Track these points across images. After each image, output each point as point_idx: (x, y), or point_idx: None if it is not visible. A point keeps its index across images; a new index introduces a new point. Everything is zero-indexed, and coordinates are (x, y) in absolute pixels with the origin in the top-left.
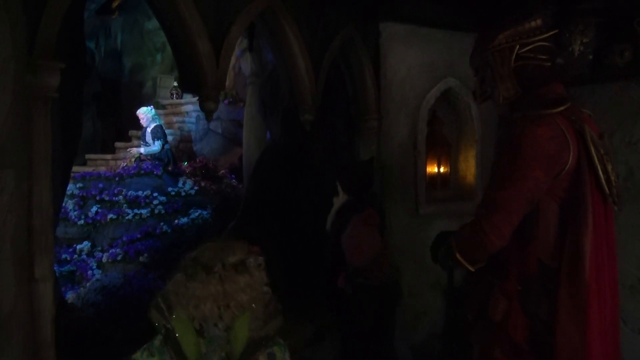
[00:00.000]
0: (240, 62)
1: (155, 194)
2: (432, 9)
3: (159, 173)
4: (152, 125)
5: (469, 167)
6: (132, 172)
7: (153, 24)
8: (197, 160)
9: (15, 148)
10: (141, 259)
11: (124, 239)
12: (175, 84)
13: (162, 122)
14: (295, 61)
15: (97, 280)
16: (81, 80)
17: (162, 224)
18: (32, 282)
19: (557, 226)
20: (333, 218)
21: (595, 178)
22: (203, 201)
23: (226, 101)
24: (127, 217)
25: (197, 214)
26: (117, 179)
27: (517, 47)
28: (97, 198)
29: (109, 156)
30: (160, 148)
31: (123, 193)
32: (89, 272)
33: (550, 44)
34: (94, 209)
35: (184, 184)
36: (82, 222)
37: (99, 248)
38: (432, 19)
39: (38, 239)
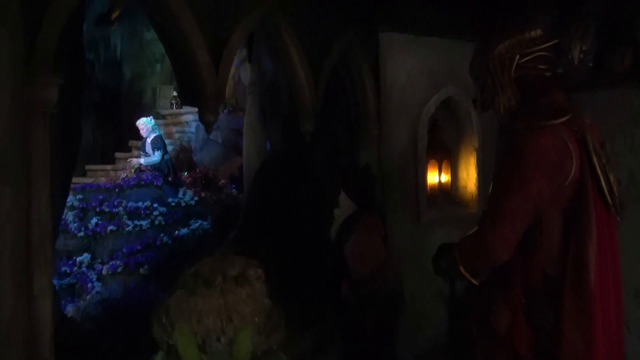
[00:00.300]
0: (239, 71)
1: (155, 205)
2: (431, 16)
3: (159, 184)
4: (152, 136)
5: (470, 175)
6: (132, 183)
7: (152, 34)
8: (197, 170)
9: (13, 163)
10: (141, 270)
11: (124, 250)
12: (175, 93)
13: (162, 132)
14: (294, 70)
15: (97, 293)
16: (81, 92)
17: (162, 235)
18: (30, 298)
19: (560, 236)
20: (338, 228)
21: (598, 187)
22: (203, 211)
23: (226, 110)
24: (127, 229)
25: (197, 224)
26: (117, 190)
27: (518, 57)
28: (97, 209)
29: (109, 167)
30: (160, 158)
31: (123, 204)
32: (89, 284)
33: (550, 54)
34: (94, 220)
35: (184, 194)
36: (82, 234)
37: (99, 260)
38: (431, 26)
39: (36, 254)
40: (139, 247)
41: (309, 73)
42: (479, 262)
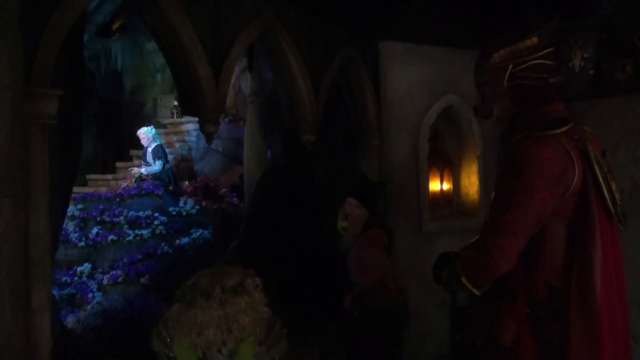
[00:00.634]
0: (240, 80)
1: (156, 214)
2: (431, 26)
3: (160, 193)
4: (153, 145)
5: (472, 184)
6: (133, 192)
7: (153, 45)
8: (198, 180)
9: (12, 176)
10: (142, 280)
11: (125, 260)
12: (176, 102)
13: (163, 141)
14: (295, 81)
15: (98, 303)
16: (81, 103)
17: (163, 244)
18: (28, 313)
19: (564, 247)
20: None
21: (601, 197)
22: (204, 221)
23: (226, 119)
24: (127, 238)
25: (198, 233)
26: (117, 199)
27: (511, 66)
28: (98, 219)
29: (109, 176)
30: (161, 168)
31: (124, 214)
32: (90, 294)
33: (548, 62)
34: (95, 230)
35: (185, 203)
36: (82, 243)
37: (100, 270)
38: (431, 36)
39: (35, 268)
40: (139, 257)
41: (309, 84)
42: (481, 273)
